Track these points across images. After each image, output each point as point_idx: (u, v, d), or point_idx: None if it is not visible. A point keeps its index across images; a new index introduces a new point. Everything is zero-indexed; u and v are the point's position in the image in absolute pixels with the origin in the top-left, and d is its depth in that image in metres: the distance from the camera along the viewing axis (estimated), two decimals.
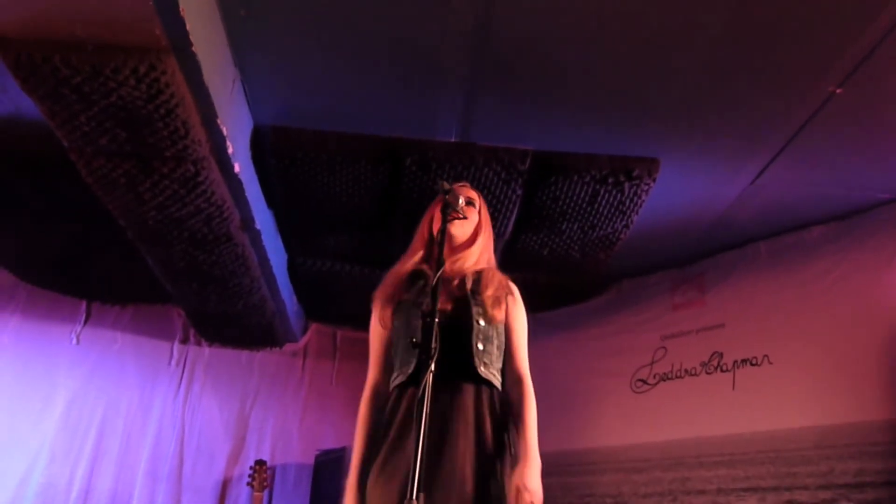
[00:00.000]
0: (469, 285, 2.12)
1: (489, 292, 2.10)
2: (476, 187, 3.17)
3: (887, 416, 3.28)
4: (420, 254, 2.21)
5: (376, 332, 2.22)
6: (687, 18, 2.49)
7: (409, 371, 2.00)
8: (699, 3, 2.42)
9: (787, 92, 2.84)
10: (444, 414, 1.90)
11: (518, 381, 2.11)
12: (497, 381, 2.06)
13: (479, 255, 2.21)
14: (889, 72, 2.67)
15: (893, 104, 2.87)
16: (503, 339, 2.14)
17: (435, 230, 2.17)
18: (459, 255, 2.17)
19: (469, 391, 1.98)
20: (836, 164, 3.32)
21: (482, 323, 2.05)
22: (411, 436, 1.84)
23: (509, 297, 2.18)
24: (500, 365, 2.10)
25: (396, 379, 2.06)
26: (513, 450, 1.98)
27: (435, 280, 1.81)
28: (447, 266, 2.12)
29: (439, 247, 1.96)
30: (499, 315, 2.10)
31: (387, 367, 2.17)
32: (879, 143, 3.12)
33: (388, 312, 2.16)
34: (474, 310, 2.05)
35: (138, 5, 2.16)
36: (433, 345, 1.70)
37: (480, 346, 2.02)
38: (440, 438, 1.87)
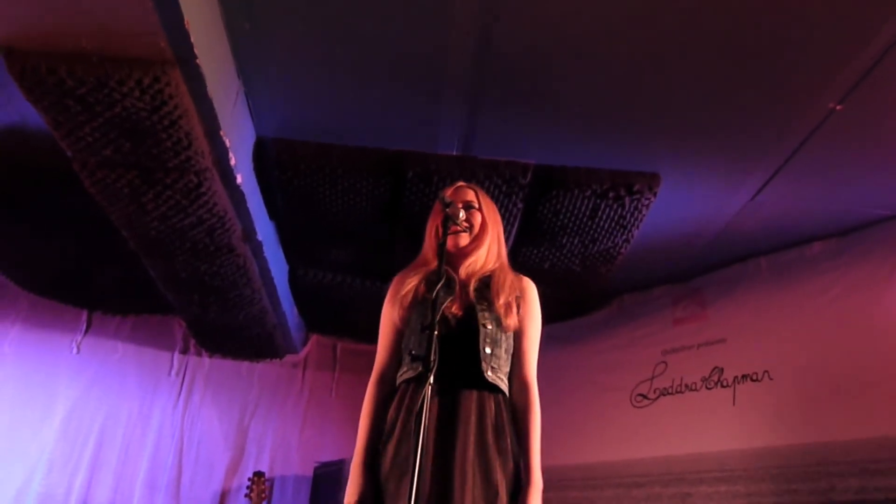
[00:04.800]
0: (473, 287, 2.09)
1: (501, 300, 2.06)
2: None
3: (888, 433, 3.26)
4: (430, 261, 2.16)
5: (388, 319, 2.18)
6: (688, 35, 2.51)
7: (419, 369, 1.94)
8: (701, 20, 2.44)
9: (786, 109, 2.85)
10: (448, 420, 1.88)
11: (524, 388, 2.07)
12: (504, 385, 2.02)
13: (489, 253, 2.17)
14: (888, 89, 2.68)
15: (892, 121, 2.88)
16: (511, 342, 2.09)
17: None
18: (471, 260, 2.14)
19: (473, 397, 1.94)
20: (835, 181, 3.33)
21: (489, 326, 2.01)
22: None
23: (521, 300, 2.13)
24: (507, 369, 2.05)
25: (406, 373, 2.03)
26: (515, 460, 1.94)
27: (434, 294, 1.81)
28: (462, 271, 2.12)
29: (439, 261, 1.95)
30: (512, 323, 2.06)
31: (394, 355, 2.15)
32: (878, 160, 3.13)
33: (407, 303, 2.10)
34: (481, 314, 2.02)
35: (143, 18, 2.18)
36: (432, 357, 1.70)
37: (488, 350, 1.98)
38: (445, 445, 1.85)
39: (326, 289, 4.62)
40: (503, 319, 2.04)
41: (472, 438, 1.88)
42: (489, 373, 1.97)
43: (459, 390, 1.94)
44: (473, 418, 1.92)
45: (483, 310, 2.04)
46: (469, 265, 2.13)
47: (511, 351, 2.09)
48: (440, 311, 1.86)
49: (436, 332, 1.75)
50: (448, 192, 2.19)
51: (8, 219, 4.14)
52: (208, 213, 3.20)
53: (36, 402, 4.83)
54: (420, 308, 2.07)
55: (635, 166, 3.32)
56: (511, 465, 1.93)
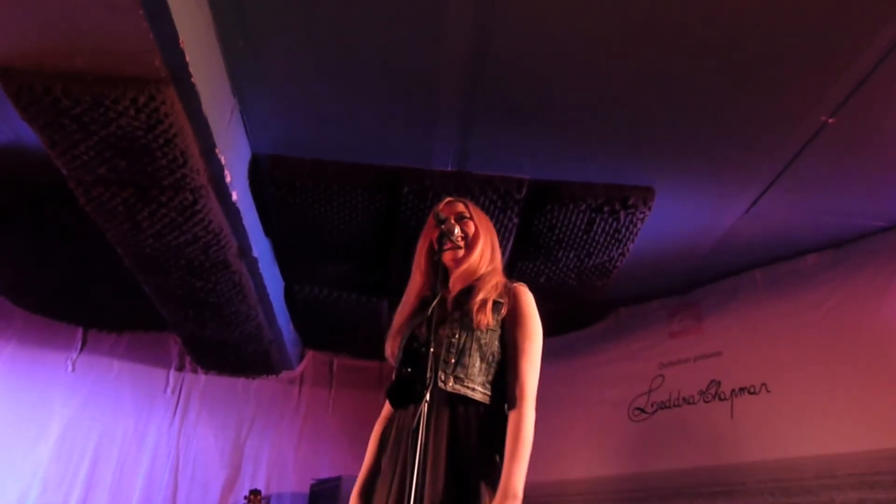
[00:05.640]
0: (453, 297, 2.08)
1: (478, 297, 2.00)
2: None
3: (887, 445, 3.26)
4: (420, 283, 2.16)
5: (389, 356, 2.20)
6: (681, 50, 2.53)
7: (400, 376, 1.94)
8: (694, 35, 2.46)
9: (780, 122, 2.87)
10: (423, 436, 1.83)
11: (513, 398, 1.94)
12: (479, 394, 1.93)
13: (482, 258, 2.14)
14: (880, 102, 2.70)
15: (885, 133, 2.90)
16: (496, 347, 2.01)
17: (443, 259, 2.10)
18: (463, 268, 2.11)
19: (444, 410, 1.90)
20: (829, 193, 3.34)
21: (457, 334, 1.97)
22: (395, 458, 1.90)
23: (508, 302, 2.06)
24: (486, 378, 1.97)
25: None
26: (496, 471, 1.86)
27: (430, 311, 1.81)
28: (452, 282, 2.11)
29: (435, 279, 1.94)
30: (483, 319, 1.96)
31: None
32: (872, 172, 3.15)
33: (398, 344, 2.11)
34: (450, 325, 1.98)
35: (139, 37, 2.19)
36: (428, 374, 1.70)
37: (453, 360, 1.93)
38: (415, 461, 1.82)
39: (322, 304, 4.61)
40: (474, 316, 1.97)
41: (443, 451, 1.85)
42: (451, 383, 1.91)
43: (432, 403, 1.82)
44: (445, 432, 1.87)
45: (454, 320, 2.01)
46: (461, 273, 2.12)
47: (495, 358, 2.01)
48: (425, 328, 1.85)
49: (431, 350, 1.74)
50: (439, 208, 2.19)
51: (3, 236, 4.13)
52: (204, 230, 3.20)
53: (30, 420, 4.79)
54: (407, 331, 2.07)
55: (630, 180, 3.33)
56: (490, 475, 1.85)
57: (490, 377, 1.98)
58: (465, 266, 2.12)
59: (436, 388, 1.87)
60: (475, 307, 1.98)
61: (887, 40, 2.39)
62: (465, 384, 1.94)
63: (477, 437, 1.88)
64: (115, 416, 5.02)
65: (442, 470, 1.82)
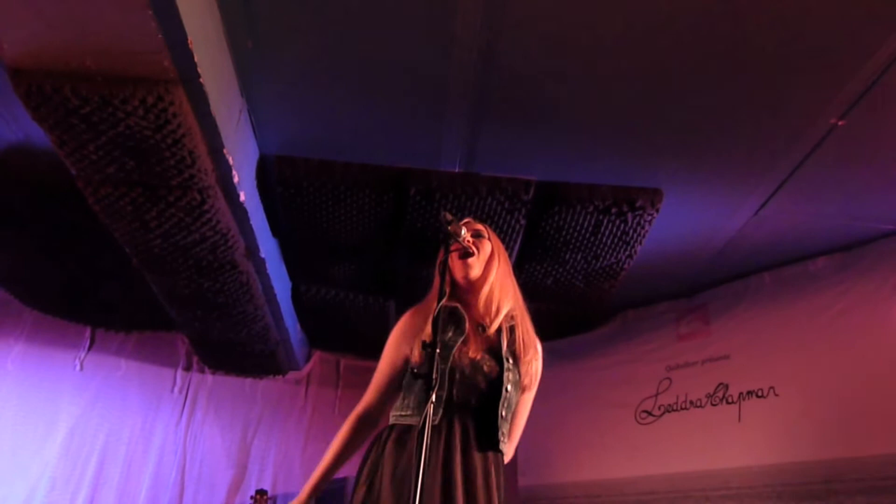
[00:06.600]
0: (505, 340, 2.02)
1: (528, 357, 2.05)
2: (480, 217, 3.18)
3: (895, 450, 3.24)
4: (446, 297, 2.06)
5: (389, 357, 2.11)
6: (690, 52, 2.52)
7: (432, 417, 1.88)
8: (703, 36, 2.45)
9: (789, 124, 2.85)
10: (464, 479, 1.85)
11: (510, 447, 2.08)
12: (505, 448, 2.02)
13: (503, 286, 2.08)
14: (890, 104, 2.68)
15: (894, 136, 2.88)
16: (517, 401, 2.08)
17: (455, 274, 2.06)
18: (483, 293, 2.05)
19: (479, 457, 1.91)
20: (839, 196, 3.32)
21: (510, 389, 1.97)
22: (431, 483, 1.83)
23: (535, 362, 2.12)
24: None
25: (411, 417, 1.96)
26: None
27: (436, 311, 1.80)
28: (480, 306, 2.04)
29: (441, 280, 1.92)
30: (529, 385, 2.07)
31: (385, 396, 2.09)
32: (882, 175, 3.13)
33: (416, 345, 2.01)
34: (506, 374, 1.96)
35: (148, 38, 2.20)
36: (434, 376, 1.69)
37: (503, 413, 1.95)
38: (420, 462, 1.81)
39: (329, 305, 4.62)
40: (522, 378, 2.03)
41: (481, 495, 1.86)
42: (503, 440, 1.96)
43: (470, 447, 1.90)
44: (480, 481, 1.88)
45: (508, 369, 1.98)
46: (486, 298, 2.05)
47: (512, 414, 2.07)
48: (451, 350, 1.88)
49: (437, 351, 1.73)
50: (458, 225, 2.13)
51: (12, 235, 4.15)
52: (211, 230, 3.21)
53: (38, 419, 4.82)
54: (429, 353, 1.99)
55: (638, 182, 3.32)
56: None
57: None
58: (486, 290, 2.05)
59: (480, 434, 1.93)
60: (524, 369, 2.04)
61: None
62: (505, 438, 2.00)
63: (502, 483, 1.96)
64: (122, 415, 5.04)
65: None
